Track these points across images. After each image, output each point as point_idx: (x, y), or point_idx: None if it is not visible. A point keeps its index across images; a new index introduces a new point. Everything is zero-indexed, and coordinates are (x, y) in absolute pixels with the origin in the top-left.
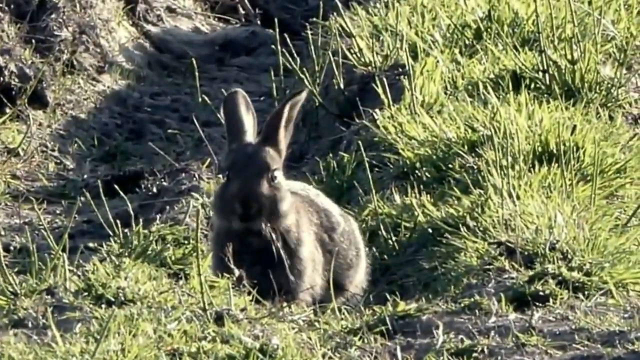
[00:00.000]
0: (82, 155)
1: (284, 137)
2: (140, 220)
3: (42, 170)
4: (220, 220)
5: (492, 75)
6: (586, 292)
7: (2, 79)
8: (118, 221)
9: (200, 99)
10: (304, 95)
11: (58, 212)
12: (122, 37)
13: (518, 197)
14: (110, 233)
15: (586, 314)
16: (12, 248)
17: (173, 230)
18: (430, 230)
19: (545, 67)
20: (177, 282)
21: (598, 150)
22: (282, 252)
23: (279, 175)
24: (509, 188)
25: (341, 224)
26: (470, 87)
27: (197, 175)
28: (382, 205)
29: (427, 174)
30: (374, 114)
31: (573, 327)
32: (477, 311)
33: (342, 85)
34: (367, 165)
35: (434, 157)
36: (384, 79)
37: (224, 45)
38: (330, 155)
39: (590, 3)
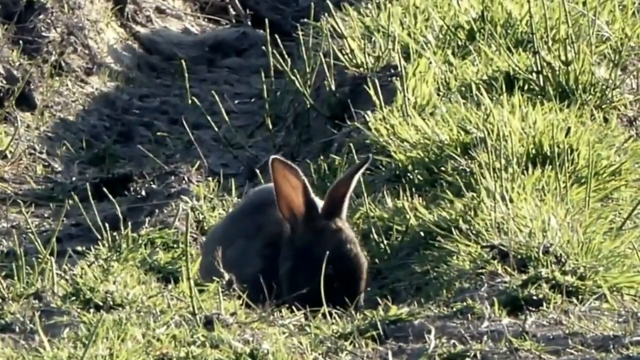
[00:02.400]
0: (71, 158)
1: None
2: (129, 223)
3: (30, 173)
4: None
5: (485, 77)
6: (580, 297)
7: None
8: (106, 224)
9: (190, 101)
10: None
11: (46, 215)
12: (111, 38)
13: (511, 200)
14: (99, 236)
15: (580, 318)
16: None
17: (162, 234)
18: (422, 234)
19: (539, 69)
20: (166, 286)
21: (592, 153)
22: None
23: None
24: (502, 191)
25: None
26: (463, 88)
27: (186, 178)
28: (373, 209)
29: (419, 176)
30: (366, 116)
31: (567, 331)
32: (469, 315)
33: (333, 87)
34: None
35: (426, 159)
36: (376, 81)
37: (214, 46)
38: (322, 157)
39: (584, 4)
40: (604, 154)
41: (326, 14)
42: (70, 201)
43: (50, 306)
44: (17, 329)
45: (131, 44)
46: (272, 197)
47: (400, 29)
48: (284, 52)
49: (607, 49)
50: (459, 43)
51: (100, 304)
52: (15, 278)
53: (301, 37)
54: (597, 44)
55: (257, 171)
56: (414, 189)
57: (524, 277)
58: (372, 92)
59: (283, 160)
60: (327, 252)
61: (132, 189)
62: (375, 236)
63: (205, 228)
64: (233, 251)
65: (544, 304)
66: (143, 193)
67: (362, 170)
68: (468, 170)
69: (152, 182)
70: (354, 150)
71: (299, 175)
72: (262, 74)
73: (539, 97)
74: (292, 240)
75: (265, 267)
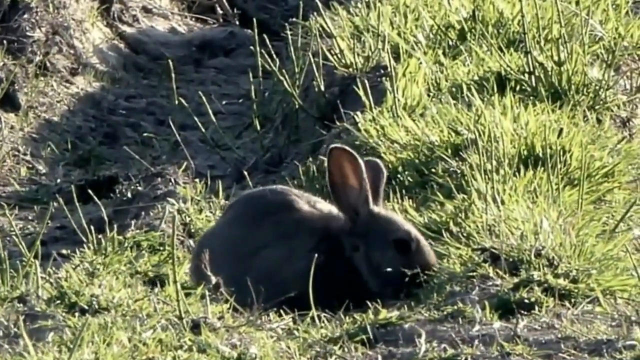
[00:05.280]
0: (55, 160)
1: None
2: (115, 226)
3: (14, 174)
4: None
5: (476, 77)
6: (573, 300)
7: None
8: (92, 227)
9: (176, 102)
10: None
11: (30, 217)
12: (97, 38)
13: (503, 202)
14: (84, 239)
15: (573, 322)
16: None
17: (148, 237)
18: None
19: (531, 69)
20: (152, 290)
21: (585, 154)
22: None
23: None
24: (493, 193)
25: None
26: (454, 89)
27: (173, 180)
28: None
29: (409, 178)
30: (355, 116)
31: (559, 335)
32: (460, 319)
33: (322, 87)
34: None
35: (417, 161)
36: (366, 81)
37: (202, 46)
38: (310, 159)
39: (577, 3)
40: (597, 155)
41: (315, 14)
42: (55, 203)
43: (35, 310)
44: (1, 333)
45: (117, 44)
46: (293, 196)
47: (390, 28)
48: (273, 52)
49: (600, 49)
50: (450, 43)
51: (86, 307)
52: None
53: (290, 37)
54: (590, 43)
55: (245, 173)
56: (404, 191)
57: (516, 280)
58: (361, 92)
59: (342, 147)
60: (410, 233)
61: (117, 191)
62: None
63: (192, 230)
64: (272, 253)
65: (536, 308)
66: (129, 195)
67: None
68: (459, 171)
69: (138, 184)
70: None
71: (358, 164)
72: (250, 74)
73: (531, 97)
74: (354, 230)
75: (330, 260)
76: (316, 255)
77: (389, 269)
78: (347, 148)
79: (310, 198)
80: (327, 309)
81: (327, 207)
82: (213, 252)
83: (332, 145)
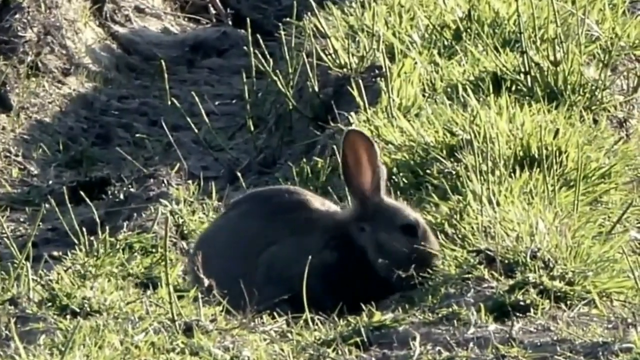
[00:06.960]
0: (47, 161)
1: None
2: (107, 227)
3: (6, 176)
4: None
5: (472, 77)
6: (568, 302)
7: None
8: (84, 229)
9: (169, 102)
10: None
11: (22, 219)
12: (89, 38)
13: (498, 204)
14: (76, 241)
15: (568, 324)
16: None
17: (141, 238)
18: None
19: (527, 69)
20: (144, 292)
21: (581, 155)
22: None
23: None
24: (488, 194)
25: None
26: (449, 89)
27: (166, 181)
28: None
29: (404, 179)
30: (350, 117)
31: (555, 338)
32: (455, 322)
33: (316, 88)
34: (342, 170)
35: (412, 162)
36: (360, 81)
37: (194, 46)
38: (304, 160)
39: (573, 2)
40: (593, 156)
41: (309, 13)
42: (47, 205)
43: (26, 312)
44: None
45: (110, 44)
46: (302, 196)
47: (384, 28)
48: (266, 52)
49: (596, 48)
50: (445, 43)
51: (77, 310)
52: None
53: (283, 37)
54: (586, 43)
55: (238, 174)
56: (399, 192)
57: (511, 282)
58: (356, 93)
59: (359, 131)
60: (417, 220)
61: (110, 192)
62: None
63: (185, 232)
64: (283, 250)
65: (532, 310)
66: (121, 196)
67: None
68: (454, 172)
69: (130, 186)
70: (337, 153)
71: (374, 150)
72: (244, 75)
73: (527, 98)
74: (362, 213)
75: (342, 256)
76: (328, 252)
77: (395, 249)
78: (364, 132)
79: (323, 200)
80: (342, 304)
81: (337, 208)
82: (217, 251)
83: (349, 128)
